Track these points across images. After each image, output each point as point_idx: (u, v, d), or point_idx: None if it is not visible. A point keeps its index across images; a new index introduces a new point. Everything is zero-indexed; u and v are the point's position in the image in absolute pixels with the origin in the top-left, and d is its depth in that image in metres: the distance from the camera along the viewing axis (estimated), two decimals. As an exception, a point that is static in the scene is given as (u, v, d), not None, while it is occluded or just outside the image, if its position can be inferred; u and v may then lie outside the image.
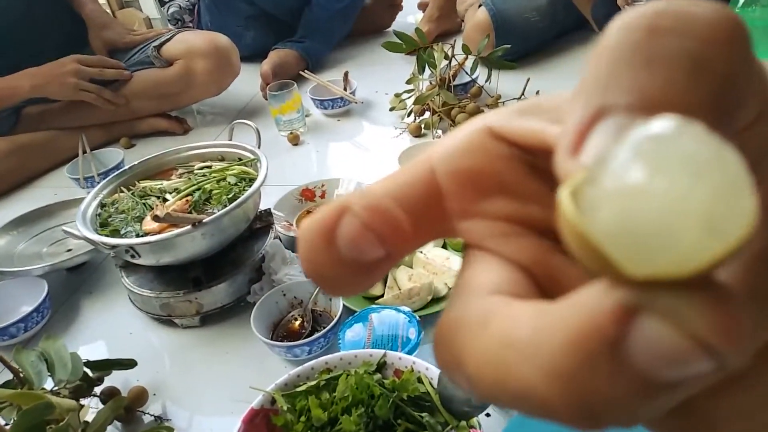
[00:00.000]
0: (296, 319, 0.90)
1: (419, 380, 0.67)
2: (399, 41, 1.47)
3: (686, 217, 0.10)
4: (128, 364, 0.84)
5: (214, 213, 0.89)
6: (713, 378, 0.10)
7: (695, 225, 0.10)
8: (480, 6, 1.70)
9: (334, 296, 0.17)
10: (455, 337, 0.13)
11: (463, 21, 1.89)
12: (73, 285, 1.12)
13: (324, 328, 0.83)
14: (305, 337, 0.83)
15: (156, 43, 1.62)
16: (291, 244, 1.08)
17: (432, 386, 0.65)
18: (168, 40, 1.63)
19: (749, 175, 0.11)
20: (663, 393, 0.10)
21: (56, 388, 0.70)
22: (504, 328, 0.12)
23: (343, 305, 0.86)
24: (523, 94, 1.38)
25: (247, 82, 1.86)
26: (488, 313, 0.13)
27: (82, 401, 0.75)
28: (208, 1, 1.91)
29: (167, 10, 2.08)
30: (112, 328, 1.01)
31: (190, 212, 0.94)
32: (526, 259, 0.15)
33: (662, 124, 0.11)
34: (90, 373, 0.79)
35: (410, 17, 2.08)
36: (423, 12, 2.04)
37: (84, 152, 1.45)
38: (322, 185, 1.21)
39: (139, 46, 1.65)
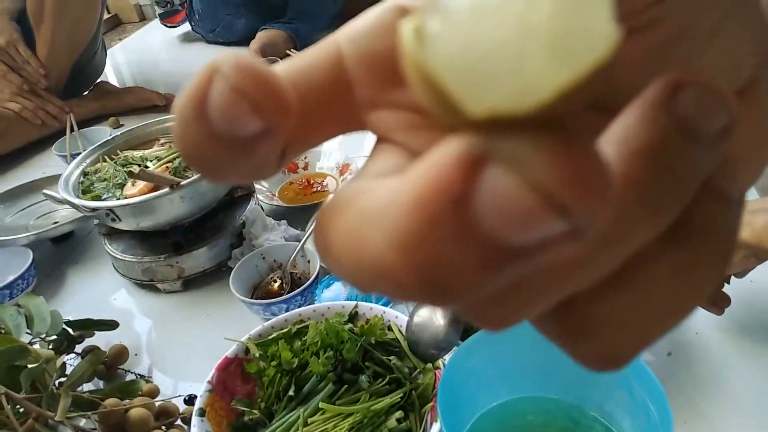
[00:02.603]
0: (275, 281, 0.91)
1: (389, 328, 0.68)
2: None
3: (528, 37, 0.09)
4: (110, 324, 0.85)
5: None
6: (570, 247, 0.09)
7: (538, 45, 0.09)
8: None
9: (214, 182, 0.15)
10: (325, 219, 0.12)
11: None
12: (59, 256, 1.13)
13: (301, 287, 0.85)
14: (283, 296, 0.84)
15: None
16: (273, 212, 1.10)
17: (401, 333, 0.67)
18: None
19: None
20: (515, 261, 0.09)
21: (34, 340, 0.72)
22: (364, 201, 0.11)
23: (320, 266, 0.88)
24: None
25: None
26: (358, 191, 0.11)
27: (63, 358, 0.76)
28: None
29: None
30: (96, 295, 1.02)
31: (171, 178, 0.95)
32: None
33: None
34: (71, 332, 0.81)
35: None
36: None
37: (72, 130, 1.46)
38: (305, 157, 1.23)
39: None
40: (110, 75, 2.07)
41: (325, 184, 1.18)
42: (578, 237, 0.09)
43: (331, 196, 0.83)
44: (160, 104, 1.70)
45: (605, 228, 0.10)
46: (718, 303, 0.68)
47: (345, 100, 0.14)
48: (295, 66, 0.14)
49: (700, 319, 0.74)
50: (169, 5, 2.08)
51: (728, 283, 0.69)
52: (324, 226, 0.12)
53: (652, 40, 0.13)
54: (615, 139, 0.11)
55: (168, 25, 2.20)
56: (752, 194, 0.82)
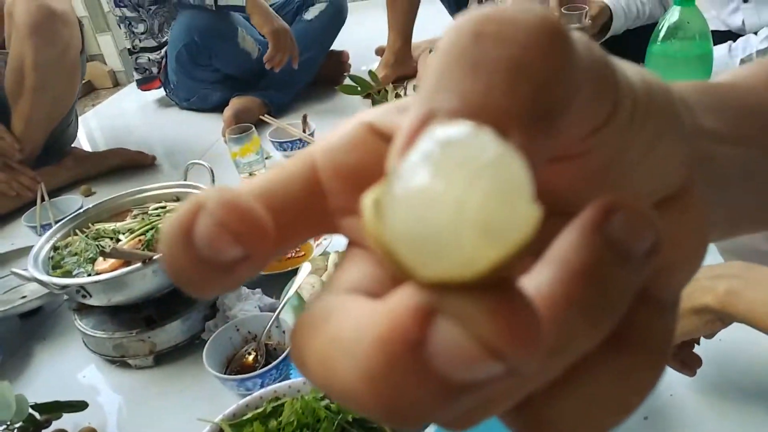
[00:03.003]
0: (250, 354, 0.90)
1: (366, 403, 0.67)
2: (354, 84, 1.52)
3: (463, 221, 0.10)
4: (79, 406, 0.83)
5: (166, 250, 0.90)
6: (512, 381, 0.11)
7: (471, 229, 0.10)
8: (431, 51, 1.77)
9: (197, 296, 0.16)
10: (301, 334, 0.13)
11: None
12: (26, 332, 1.10)
13: (277, 360, 0.84)
14: (258, 370, 0.83)
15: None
16: (248, 280, 1.09)
17: (378, 408, 0.66)
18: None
19: (531, 180, 0.11)
20: (465, 394, 0.11)
21: (-1, 429, 0.69)
22: (335, 326, 0.12)
23: (296, 337, 0.87)
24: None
25: (210, 129, 1.90)
26: (330, 310, 0.13)
27: (28, 445, 0.73)
28: (175, 66, 1.95)
29: (135, 60, 2.11)
30: (64, 373, 0.99)
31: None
32: None
33: (454, 128, 0.11)
34: (38, 416, 0.78)
35: (363, 67, 2.15)
36: (380, 58, 2.11)
37: (42, 200, 1.44)
38: (279, 223, 1.23)
39: None
40: (83, 140, 2.07)
41: (299, 250, 1.18)
42: (514, 374, 0.10)
43: (331, 265, 0.82)
44: (147, 162, 1.70)
45: (546, 350, 0.11)
46: (690, 364, 0.69)
47: (319, 208, 0.15)
48: (272, 178, 0.15)
49: (675, 380, 0.75)
50: (147, 72, 2.10)
51: (698, 344, 0.70)
52: (299, 344, 0.13)
53: (588, 165, 0.14)
54: (555, 259, 0.12)
55: (145, 90, 2.23)
56: (716, 258, 0.85)
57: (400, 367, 0.10)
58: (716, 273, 0.62)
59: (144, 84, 2.18)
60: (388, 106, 0.16)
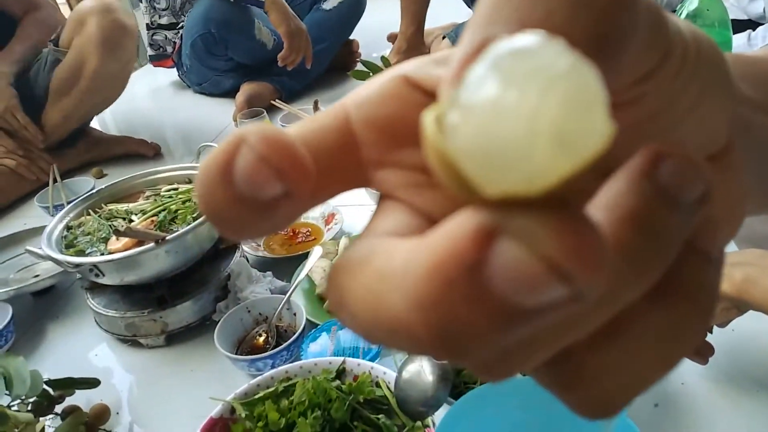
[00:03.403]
0: (260, 335, 0.90)
1: (377, 384, 0.68)
2: (366, 70, 1.52)
3: (536, 131, 0.10)
4: (91, 383, 0.84)
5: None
6: (572, 309, 0.10)
7: (545, 140, 0.10)
8: (444, 38, 1.76)
9: (233, 239, 0.15)
10: (340, 277, 0.13)
11: (430, 52, 1.95)
12: (39, 310, 1.11)
13: (288, 342, 0.84)
14: (269, 351, 0.84)
15: (52, 37, 1.60)
16: (259, 263, 1.09)
17: (389, 389, 0.66)
18: (57, 36, 1.60)
19: (605, 91, 0.10)
20: (523, 321, 0.10)
21: (13, 403, 0.70)
22: (381, 263, 0.12)
23: (307, 319, 0.88)
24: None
25: (222, 113, 1.90)
26: (372, 251, 0.13)
27: (43, 420, 0.74)
28: (189, 52, 1.95)
29: (151, 36, 2.11)
30: (77, 351, 1.00)
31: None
32: (434, 210, 0.15)
33: (522, 39, 0.11)
34: (51, 392, 0.79)
35: (375, 54, 2.14)
36: (392, 44, 2.10)
37: (54, 181, 1.45)
38: (290, 207, 1.23)
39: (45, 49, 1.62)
40: (94, 120, 2.07)
41: (309, 233, 1.18)
42: (578, 299, 0.10)
43: (342, 248, 0.82)
44: (149, 155, 1.71)
45: (601, 290, 0.11)
46: (702, 353, 0.69)
47: (353, 160, 0.15)
48: (307, 129, 0.15)
49: (686, 369, 0.75)
50: (161, 49, 2.10)
51: (711, 332, 0.70)
52: (338, 283, 0.13)
53: (637, 113, 0.14)
54: (604, 206, 0.12)
55: (157, 66, 2.23)
56: (731, 246, 0.84)
57: (456, 291, 0.10)
58: (732, 261, 0.62)
59: (157, 61, 2.18)
60: (423, 59, 0.15)
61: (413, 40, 1.99)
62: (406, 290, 0.11)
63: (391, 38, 2.20)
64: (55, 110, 1.60)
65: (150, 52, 2.17)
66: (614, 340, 0.13)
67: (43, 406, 0.76)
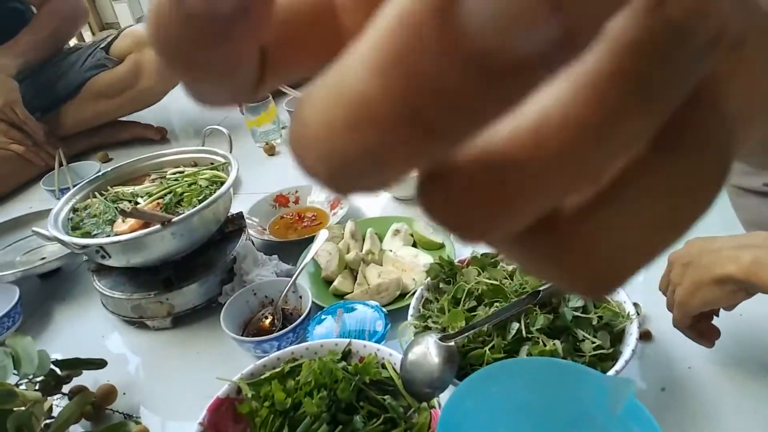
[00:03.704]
0: (266, 318, 0.90)
1: (383, 366, 0.68)
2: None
3: None
4: (98, 363, 0.84)
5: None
6: (563, 59, 0.09)
7: None
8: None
9: (184, 75, 0.12)
10: (304, 102, 0.11)
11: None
12: (46, 292, 1.12)
13: (293, 324, 0.84)
14: (274, 333, 0.84)
15: (103, 45, 1.65)
16: (264, 247, 1.09)
17: (395, 371, 0.66)
18: (114, 38, 1.66)
19: None
20: (503, 77, 0.09)
21: (21, 382, 0.70)
22: (341, 60, 0.10)
23: (313, 302, 0.88)
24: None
25: (226, 98, 1.89)
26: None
27: (50, 400, 0.75)
28: None
29: None
30: (84, 332, 1.01)
31: (162, 214, 0.95)
32: None
33: None
34: (59, 372, 0.79)
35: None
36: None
37: (60, 165, 1.46)
38: (296, 191, 1.23)
39: (88, 51, 1.67)
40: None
41: (314, 217, 1.18)
42: (573, 46, 0.09)
43: (348, 233, 0.81)
44: (156, 138, 1.71)
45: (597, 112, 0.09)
46: (708, 335, 0.68)
47: (329, 26, 0.13)
48: None
49: (693, 353, 0.75)
50: None
51: (717, 315, 0.69)
52: (301, 108, 0.11)
53: None
54: (606, 38, 0.11)
55: None
56: (739, 229, 0.84)
57: (423, 42, 0.08)
58: (740, 243, 0.61)
59: None
60: None
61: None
62: (366, 57, 0.09)
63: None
64: (88, 107, 1.64)
65: None
66: (615, 197, 0.11)
67: (51, 385, 0.76)
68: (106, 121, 1.69)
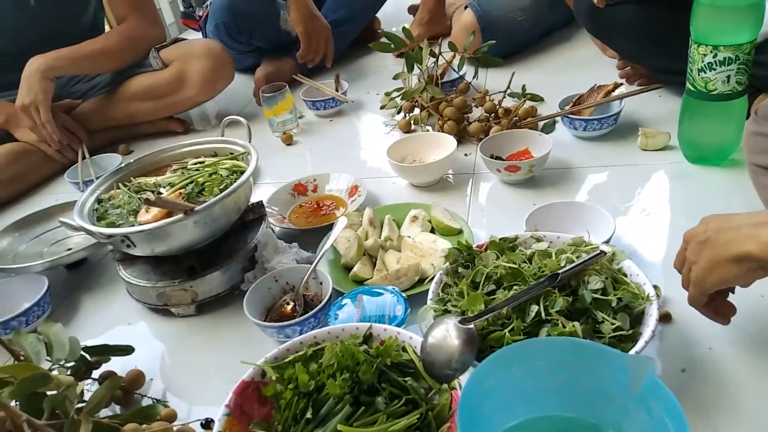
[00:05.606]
0: (288, 304, 0.92)
1: (404, 349, 0.69)
2: (387, 41, 1.51)
3: None
4: (126, 350, 0.86)
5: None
6: None
7: None
8: (466, 8, 1.74)
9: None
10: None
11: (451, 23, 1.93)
12: (73, 283, 1.14)
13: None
14: (296, 319, 0.85)
15: (157, 45, 1.68)
16: (284, 235, 1.11)
17: (416, 354, 0.67)
18: (167, 45, 1.69)
19: None
20: None
21: (54, 367, 0.73)
22: None
23: (333, 288, 0.89)
24: (508, 87, 1.41)
25: (243, 90, 1.91)
26: None
27: (81, 384, 0.77)
28: (213, 29, 1.92)
29: None
30: (111, 321, 1.03)
31: (184, 204, 0.97)
32: None
33: None
34: (88, 357, 0.82)
35: (394, 28, 2.12)
36: (413, 16, 2.08)
37: (83, 158, 1.48)
38: (314, 180, 1.25)
39: None
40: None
41: (332, 204, 1.19)
42: None
43: (366, 220, 0.82)
44: (179, 131, 1.73)
45: None
46: (723, 312, 0.68)
47: None
48: None
49: (714, 334, 0.75)
50: (191, 9, 2.11)
51: (733, 292, 0.69)
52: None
53: None
54: None
55: (184, 24, 2.24)
56: (758, 206, 0.83)
57: None
58: (759, 220, 0.61)
59: (185, 18, 2.19)
60: None
61: (435, 12, 1.97)
62: None
63: (412, 10, 2.18)
64: (123, 107, 1.68)
65: (182, 7, 2.18)
66: None
67: (82, 370, 0.79)
68: (137, 121, 1.72)
